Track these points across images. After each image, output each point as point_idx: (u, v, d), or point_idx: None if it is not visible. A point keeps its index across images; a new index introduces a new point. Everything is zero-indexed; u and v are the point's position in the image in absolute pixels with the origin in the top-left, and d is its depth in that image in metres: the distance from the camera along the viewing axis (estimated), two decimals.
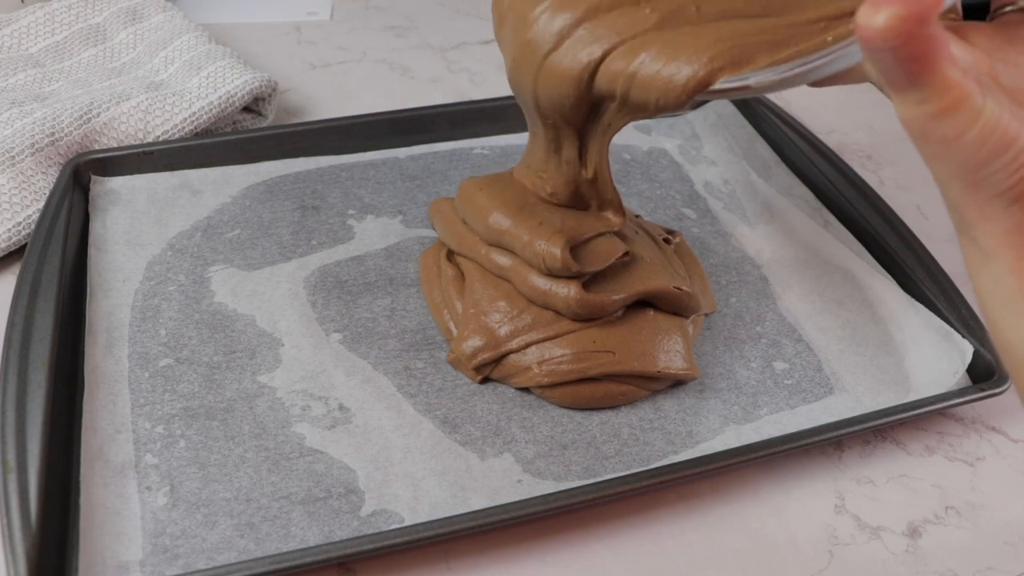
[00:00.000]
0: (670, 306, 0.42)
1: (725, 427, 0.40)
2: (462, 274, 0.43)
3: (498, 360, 0.40)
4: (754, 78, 0.29)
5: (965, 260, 0.26)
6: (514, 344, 0.40)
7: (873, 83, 0.28)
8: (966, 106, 0.22)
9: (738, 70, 0.30)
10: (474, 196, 0.43)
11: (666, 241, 0.46)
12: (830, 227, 0.50)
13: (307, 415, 0.39)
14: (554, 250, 0.39)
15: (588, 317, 0.40)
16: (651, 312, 0.42)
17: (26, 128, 0.48)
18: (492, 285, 0.42)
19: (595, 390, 0.40)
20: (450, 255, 0.45)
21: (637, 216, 0.48)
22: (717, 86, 0.30)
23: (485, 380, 0.41)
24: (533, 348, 0.40)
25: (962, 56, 0.25)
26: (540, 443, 0.39)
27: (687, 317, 0.43)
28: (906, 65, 0.21)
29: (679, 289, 0.41)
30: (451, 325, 0.42)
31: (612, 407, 0.40)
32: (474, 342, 0.40)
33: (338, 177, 0.52)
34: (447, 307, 0.43)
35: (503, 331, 0.40)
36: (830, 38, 0.28)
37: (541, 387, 0.40)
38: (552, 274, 0.40)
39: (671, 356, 0.41)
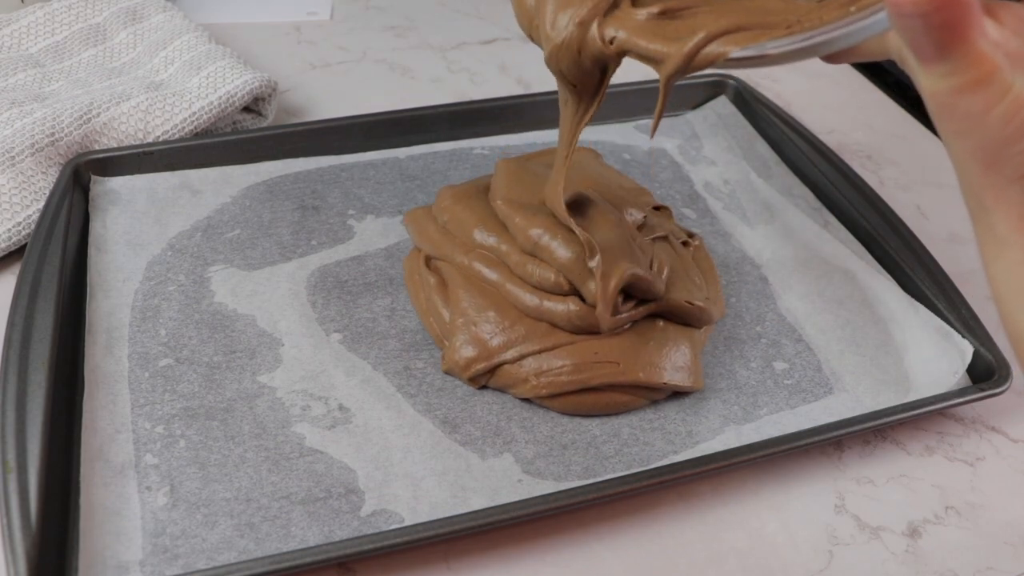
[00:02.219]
0: (682, 319, 0.42)
1: (725, 427, 0.40)
2: (444, 280, 0.43)
3: (493, 370, 0.40)
4: (772, 46, 0.29)
5: (980, 248, 0.25)
6: (508, 355, 0.40)
7: (893, 57, 0.27)
8: (995, 81, 0.21)
9: (755, 39, 0.29)
10: (453, 208, 0.44)
11: (684, 244, 0.46)
12: (830, 227, 0.50)
13: (307, 415, 0.39)
14: (548, 274, 0.40)
15: (590, 331, 0.40)
16: (661, 323, 0.41)
17: (26, 128, 0.48)
18: (478, 293, 0.41)
19: (597, 400, 0.39)
20: (428, 261, 0.44)
21: (659, 208, 0.47)
22: (735, 54, 0.30)
23: (483, 387, 0.41)
24: (529, 359, 0.39)
25: (991, 32, 0.25)
26: (540, 443, 0.39)
27: (698, 328, 0.42)
28: (936, 34, 0.20)
29: (691, 304, 0.41)
30: (440, 332, 0.42)
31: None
32: (466, 352, 0.40)
33: (338, 177, 0.52)
34: (433, 315, 0.42)
35: (495, 342, 0.40)
36: (854, 8, 0.28)
37: (540, 397, 0.39)
38: (546, 291, 0.40)
39: (677, 368, 0.40)
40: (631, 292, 0.40)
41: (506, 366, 0.40)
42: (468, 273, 0.42)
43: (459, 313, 0.41)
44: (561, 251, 0.40)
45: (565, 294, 0.40)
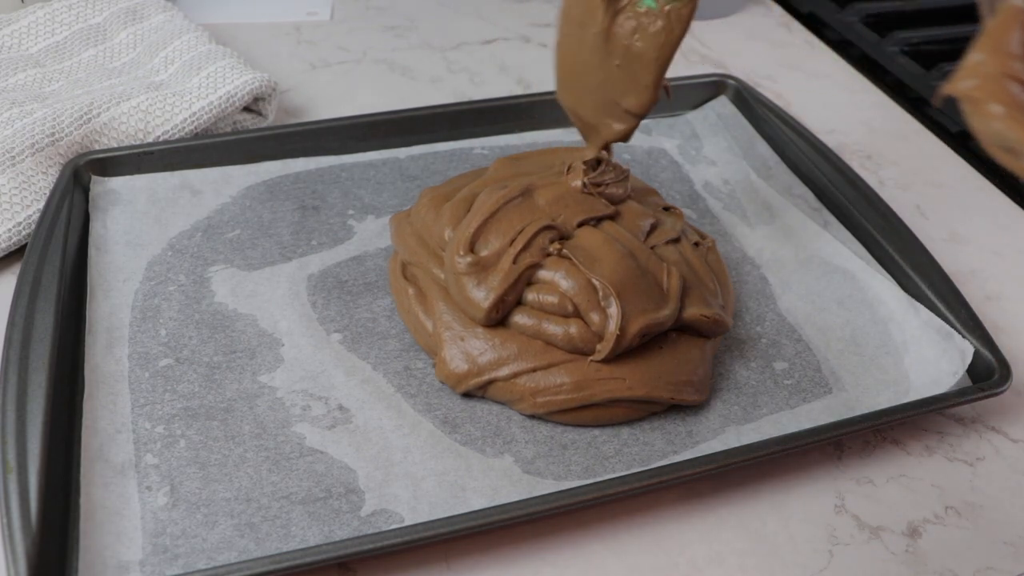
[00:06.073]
0: (697, 331, 0.41)
1: (725, 427, 0.40)
2: (422, 290, 0.42)
3: (485, 386, 0.39)
4: None
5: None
6: (501, 373, 0.38)
7: None
8: None
9: None
10: (426, 216, 0.43)
11: (696, 244, 0.44)
12: (830, 227, 0.50)
13: (307, 415, 0.39)
14: (550, 297, 0.39)
15: (590, 353, 0.39)
16: (673, 334, 0.40)
17: (26, 128, 0.48)
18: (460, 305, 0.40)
19: (599, 415, 0.39)
20: (404, 269, 0.43)
21: (667, 209, 0.46)
22: None
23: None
24: (524, 376, 0.38)
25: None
26: (540, 443, 0.39)
27: (711, 338, 0.41)
28: None
29: (706, 317, 0.40)
30: (427, 343, 0.41)
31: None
32: (459, 366, 0.39)
33: (338, 177, 0.52)
34: (415, 324, 0.41)
35: (485, 359, 0.39)
36: None
37: (538, 415, 0.39)
38: (548, 312, 0.39)
39: (686, 382, 0.39)
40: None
41: (499, 383, 0.39)
42: (445, 285, 0.41)
43: (443, 325, 0.40)
44: (565, 282, 0.39)
45: (567, 316, 0.39)
